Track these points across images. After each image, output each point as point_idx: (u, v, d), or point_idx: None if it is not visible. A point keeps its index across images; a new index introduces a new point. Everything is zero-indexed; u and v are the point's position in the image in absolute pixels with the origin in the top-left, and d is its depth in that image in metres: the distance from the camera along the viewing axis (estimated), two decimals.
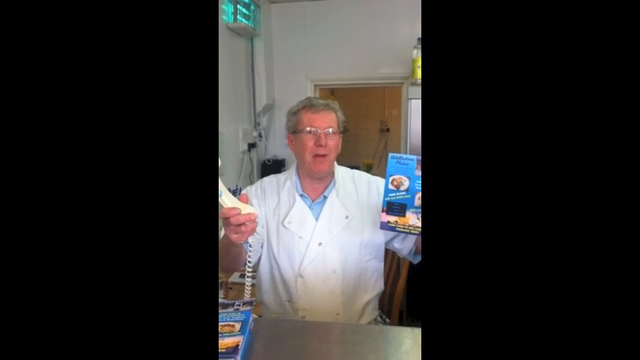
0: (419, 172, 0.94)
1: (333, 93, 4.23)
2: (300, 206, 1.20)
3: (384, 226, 0.99)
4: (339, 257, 1.17)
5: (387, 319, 1.44)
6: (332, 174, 1.25)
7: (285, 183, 1.24)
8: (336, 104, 1.23)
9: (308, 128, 1.16)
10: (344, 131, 1.25)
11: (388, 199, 0.97)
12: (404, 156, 0.96)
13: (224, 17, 2.41)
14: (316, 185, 1.23)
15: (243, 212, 0.83)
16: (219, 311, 0.84)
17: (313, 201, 1.23)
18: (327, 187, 1.24)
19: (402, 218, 0.98)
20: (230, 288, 1.86)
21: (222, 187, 0.83)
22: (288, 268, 1.18)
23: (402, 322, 2.13)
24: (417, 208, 0.95)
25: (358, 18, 2.84)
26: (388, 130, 4.38)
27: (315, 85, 3.01)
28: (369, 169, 4.03)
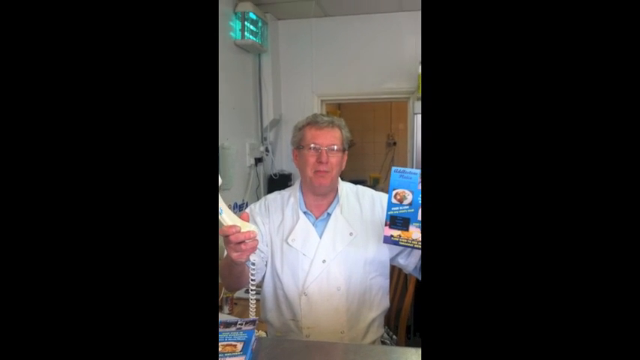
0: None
1: (340, 107, 4.25)
2: (304, 223, 1.20)
3: (387, 240, 0.99)
4: (343, 275, 1.17)
5: (394, 336, 1.43)
6: (335, 190, 1.25)
7: (289, 200, 1.25)
8: (341, 121, 1.23)
9: (311, 145, 1.17)
10: (349, 146, 1.25)
11: (391, 212, 0.97)
12: (407, 170, 0.96)
13: (232, 34, 2.45)
14: (320, 202, 1.23)
15: (243, 230, 0.83)
16: (222, 330, 0.84)
17: (317, 218, 1.23)
18: (330, 204, 1.24)
19: (405, 232, 0.98)
20: (235, 304, 1.86)
21: (222, 205, 0.83)
22: (292, 286, 1.17)
23: (409, 338, 2.10)
24: (420, 222, 0.95)
25: (364, 34, 2.86)
26: (395, 143, 4.38)
27: (322, 100, 3.03)
28: (375, 182, 4.02)
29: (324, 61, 2.93)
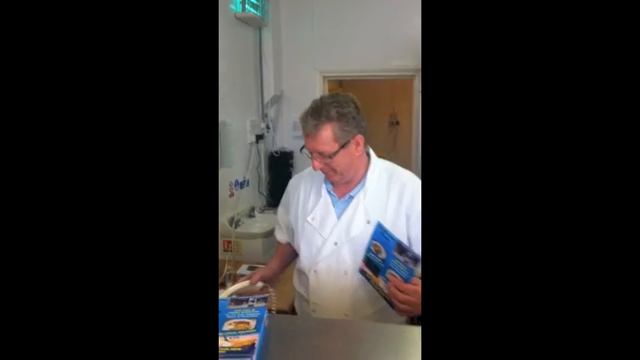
0: (395, 254, 0.95)
1: (341, 85, 4.18)
2: (325, 204, 1.19)
3: (362, 272, 1.07)
4: (352, 260, 1.13)
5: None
6: (360, 175, 1.17)
7: (314, 177, 1.24)
8: (334, 111, 1.05)
9: (309, 148, 1.10)
10: (359, 128, 1.12)
11: (368, 255, 1.04)
12: (389, 231, 0.98)
13: (232, 7, 2.37)
14: (342, 185, 1.18)
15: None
16: (233, 307, 0.81)
17: (339, 198, 1.19)
18: (354, 187, 1.17)
19: (375, 277, 1.03)
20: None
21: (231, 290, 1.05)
22: (306, 261, 1.20)
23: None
24: (386, 279, 0.98)
25: (368, 8, 2.78)
26: (398, 123, 4.33)
27: (324, 77, 2.97)
28: None
29: (326, 37, 2.85)
